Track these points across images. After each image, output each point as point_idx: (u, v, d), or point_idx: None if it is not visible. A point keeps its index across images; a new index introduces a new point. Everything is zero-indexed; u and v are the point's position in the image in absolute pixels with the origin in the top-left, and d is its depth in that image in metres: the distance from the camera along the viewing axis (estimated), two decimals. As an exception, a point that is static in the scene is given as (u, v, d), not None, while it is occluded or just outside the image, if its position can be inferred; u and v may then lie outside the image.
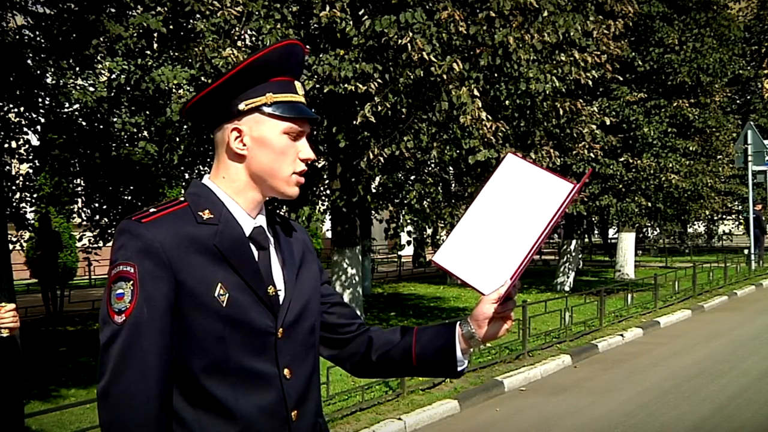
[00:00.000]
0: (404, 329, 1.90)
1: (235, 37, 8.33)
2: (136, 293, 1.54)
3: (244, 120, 1.67)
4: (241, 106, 1.66)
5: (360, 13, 8.83)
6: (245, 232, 1.68)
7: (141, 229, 1.58)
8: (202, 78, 7.88)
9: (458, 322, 1.82)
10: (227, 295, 1.60)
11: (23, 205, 10.25)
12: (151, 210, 1.63)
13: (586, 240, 27.99)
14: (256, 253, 1.69)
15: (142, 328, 1.54)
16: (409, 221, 10.27)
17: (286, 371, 1.67)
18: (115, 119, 8.81)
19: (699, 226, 32.84)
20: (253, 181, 1.70)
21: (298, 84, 1.73)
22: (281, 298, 1.70)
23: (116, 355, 1.53)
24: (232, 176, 1.70)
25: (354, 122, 8.46)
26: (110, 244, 11.31)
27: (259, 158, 1.68)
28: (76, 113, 9.38)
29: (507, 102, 9.10)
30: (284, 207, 10.34)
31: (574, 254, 17.21)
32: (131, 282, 1.55)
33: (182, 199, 1.69)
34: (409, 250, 23.30)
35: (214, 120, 1.72)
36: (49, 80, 8.56)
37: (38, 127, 9.42)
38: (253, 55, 1.66)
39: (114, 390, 1.52)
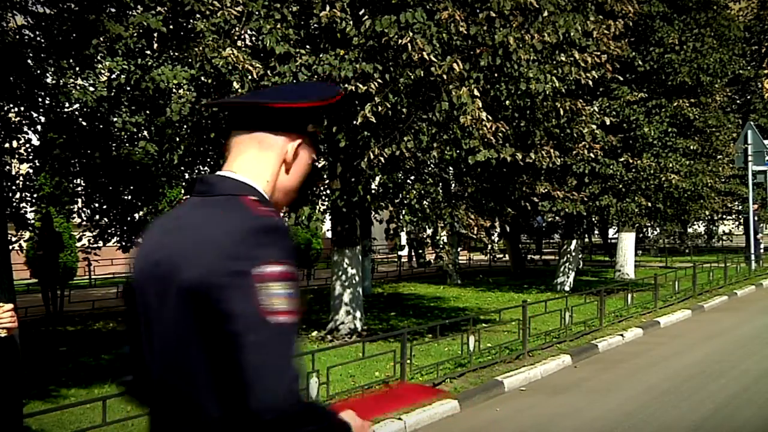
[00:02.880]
0: None
1: (235, 37, 8.33)
2: (297, 293, 1.53)
3: (303, 138, 1.76)
4: (309, 127, 1.77)
5: (360, 13, 8.83)
6: None
7: (289, 228, 1.64)
8: (202, 78, 7.88)
9: None
10: None
11: (23, 205, 10.24)
12: (271, 209, 1.64)
13: (586, 240, 27.97)
14: None
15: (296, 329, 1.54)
16: (408, 221, 10.26)
17: None
18: (115, 119, 8.80)
19: (699, 226, 32.85)
20: (273, 189, 1.74)
21: None
22: None
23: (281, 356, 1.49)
24: (271, 180, 1.72)
25: (354, 122, 8.46)
26: (110, 244, 11.29)
27: (294, 175, 1.77)
28: (76, 113, 9.37)
29: (507, 102, 9.10)
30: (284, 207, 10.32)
31: (574, 254, 17.21)
32: (294, 282, 1.53)
33: (254, 198, 1.65)
34: (404, 250, 23.33)
35: (282, 123, 1.72)
36: (49, 80, 8.55)
37: (38, 127, 9.41)
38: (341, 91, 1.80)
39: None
